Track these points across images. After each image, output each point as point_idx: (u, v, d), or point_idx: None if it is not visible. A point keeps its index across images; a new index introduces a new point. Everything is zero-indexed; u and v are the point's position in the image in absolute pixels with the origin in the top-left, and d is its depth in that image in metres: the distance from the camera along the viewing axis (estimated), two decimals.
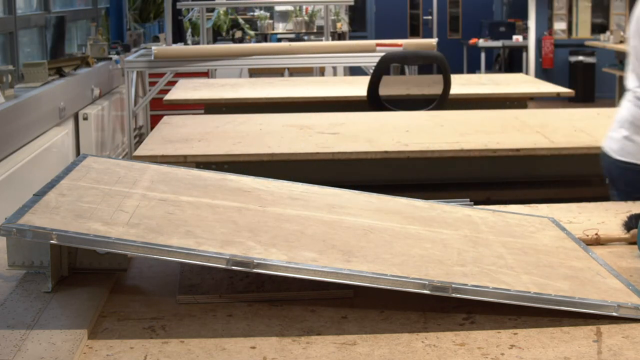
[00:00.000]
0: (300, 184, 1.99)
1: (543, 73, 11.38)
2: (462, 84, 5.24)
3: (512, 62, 12.30)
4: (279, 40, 11.02)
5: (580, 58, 11.27)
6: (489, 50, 12.22)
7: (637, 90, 2.61)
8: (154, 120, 6.59)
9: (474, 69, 12.06)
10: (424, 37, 12.57)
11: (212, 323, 1.41)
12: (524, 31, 11.81)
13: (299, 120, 3.80)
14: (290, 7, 10.77)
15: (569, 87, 6.19)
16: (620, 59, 9.36)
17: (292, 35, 10.51)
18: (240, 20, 11.64)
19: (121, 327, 1.39)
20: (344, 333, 1.37)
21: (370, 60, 6.08)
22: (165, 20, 8.25)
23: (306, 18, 10.86)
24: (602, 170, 2.75)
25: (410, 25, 13.32)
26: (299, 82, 5.78)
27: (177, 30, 8.65)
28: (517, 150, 3.19)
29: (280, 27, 11.12)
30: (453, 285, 1.40)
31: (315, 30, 10.70)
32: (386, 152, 3.17)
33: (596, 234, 1.82)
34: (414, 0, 13.31)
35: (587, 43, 10.70)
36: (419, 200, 1.99)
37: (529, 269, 1.55)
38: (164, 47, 6.92)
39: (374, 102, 4.60)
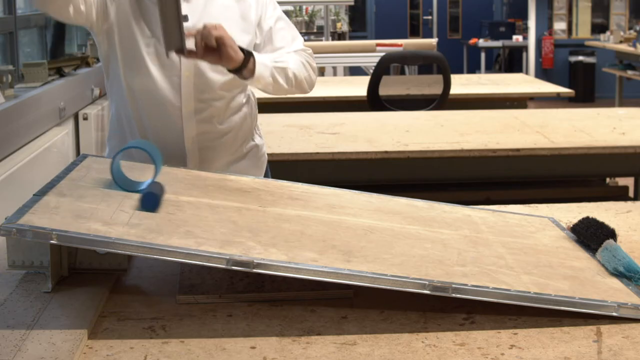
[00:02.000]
0: (300, 184, 1.99)
1: (543, 73, 11.37)
2: (462, 84, 5.25)
3: (512, 62, 12.29)
4: None
5: (580, 58, 11.26)
6: (489, 50, 12.22)
7: None
8: None
9: (474, 69, 12.05)
10: (424, 37, 12.56)
11: (212, 323, 1.41)
12: (524, 31, 11.81)
13: (299, 120, 3.80)
14: (290, 7, 10.76)
15: (569, 87, 6.20)
16: (620, 59, 9.35)
17: None
18: None
19: (121, 327, 1.39)
20: (344, 333, 1.37)
21: (370, 60, 6.08)
22: None
23: (306, 18, 10.85)
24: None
25: (410, 25, 13.31)
26: None
27: None
28: (517, 150, 3.19)
29: None
30: (453, 285, 1.40)
31: (315, 30, 10.68)
32: (386, 152, 3.17)
33: None
34: (414, 0, 13.30)
35: (587, 43, 10.69)
36: (419, 200, 1.99)
37: (529, 269, 1.55)
38: None
39: (374, 102, 4.60)
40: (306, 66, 2.11)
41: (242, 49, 1.92)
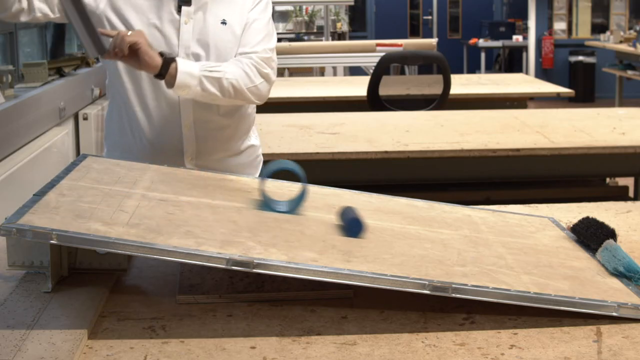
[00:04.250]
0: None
1: (543, 73, 11.37)
2: (462, 84, 5.25)
3: (512, 62, 12.29)
4: (279, 40, 10.98)
5: (580, 58, 11.27)
6: (489, 50, 12.21)
7: None
8: None
9: (474, 69, 12.05)
10: (424, 37, 12.56)
11: (212, 323, 1.41)
12: (524, 31, 11.81)
13: (299, 120, 3.80)
14: (290, 7, 10.76)
15: (569, 87, 6.20)
16: (620, 59, 9.35)
17: (292, 35, 10.49)
18: None
19: (121, 327, 1.39)
20: (344, 333, 1.37)
21: (370, 60, 6.08)
22: None
23: (306, 18, 10.85)
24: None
25: (410, 25, 13.31)
26: (299, 82, 5.78)
27: None
28: (517, 150, 3.19)
29: (280, 27, 11.10)
30: (453, 285, 1.40)
31: (315, 30, 10.69)
32: (386, 152, 3.17)
33: None
34: (414, 0, 13.30)
35: (587, 43, 10.69)
36: (419, 200, 1.99)
37: (529, 269, 1.55)
38: None
39: (374, 102, 4.60)
40: (250, 75, 2.03)
41: (164, 56, 1.92)
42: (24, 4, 1.92)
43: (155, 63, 1.91)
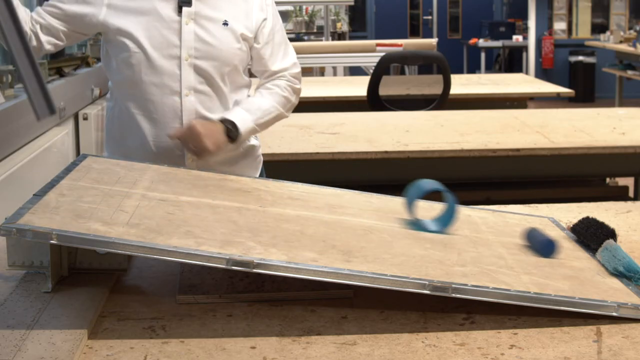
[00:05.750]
0: (300, 184, 1.99)
1: (543, 73, 11.37)
2: (462, 84, 5.25)
3: (512, 62, 12.29)
4: None
5: (580, 58, 11.27)
6: (489, 50, 12.22)
7: None
8: None
9: (474, 69, 12.05)
10: (424, 37, 12.55)
11: (212, 323, 1.41)
12: (524, 31, 11.81)
13: (299, 120, 3.80)
14: (290, 7, 10.75)
15: (569, 87, 6.20)
16: (620, 59, 9.35)
17: (292, 35, 10.49)
18: None
19: (121, 327, 1.39)
20: (344, 333, 1.37)
21: (370, 60, 6.08)
22: None
23: (306, 18, 10.85)
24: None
25: (410, 25, 13.31)
26: None
27: None
28: (517, 150, 3.19)
29: None
30: (453, 285, 1.40)
31: (315, 30, 10.68)
32: (386, 152, 3.17)
33: None
34: (414, 0, 13.30)
35: (587, 43, 10.69)
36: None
37: (529, 269, 1.55)
38: None
39: (374, 102, 4.60)
40: (289, 97, 2.19)
41: (225, 127, 2.03)
42: (34, 42, 1.97)
43: (223, 146, 2.04)
